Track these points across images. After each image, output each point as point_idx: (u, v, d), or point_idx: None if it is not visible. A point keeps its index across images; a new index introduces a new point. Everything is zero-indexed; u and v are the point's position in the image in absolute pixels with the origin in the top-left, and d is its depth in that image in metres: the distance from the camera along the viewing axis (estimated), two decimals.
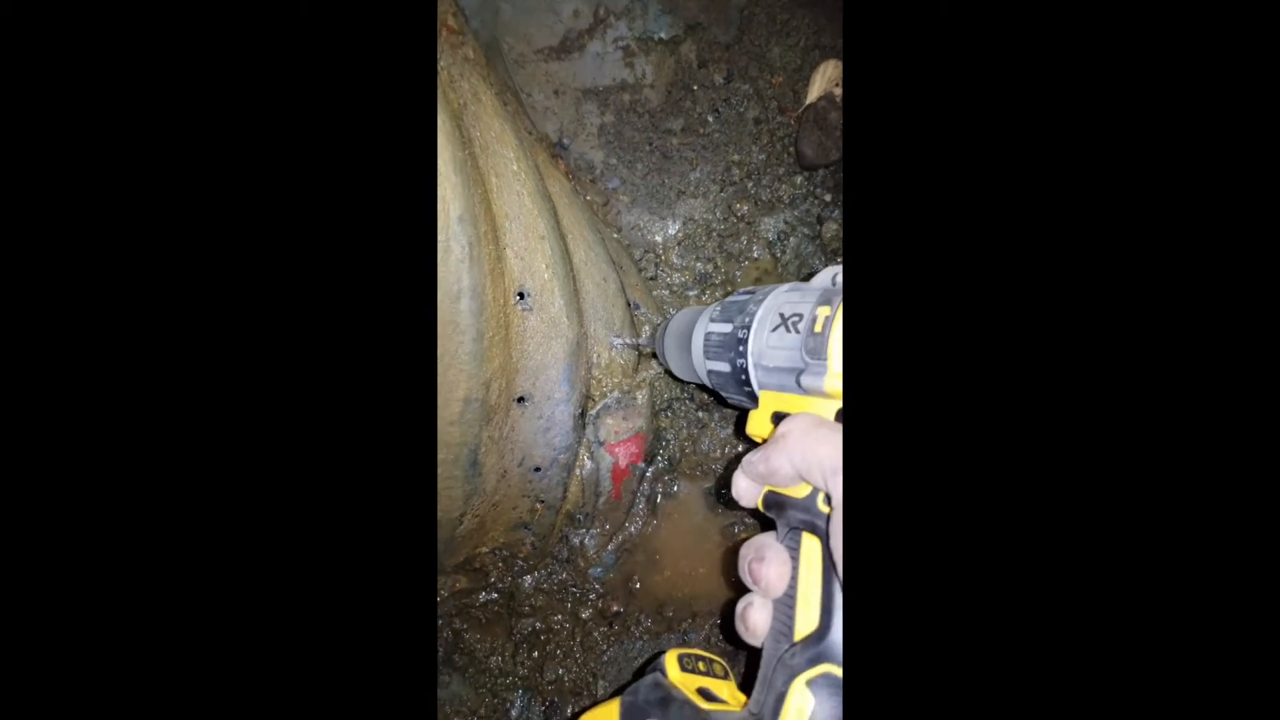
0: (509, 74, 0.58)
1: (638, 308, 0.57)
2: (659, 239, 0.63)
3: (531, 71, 0.62)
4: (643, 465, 0.57)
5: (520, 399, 0.46)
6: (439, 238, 0.36)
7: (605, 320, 0.52)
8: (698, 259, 0.63)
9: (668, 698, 0.28)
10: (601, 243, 0.53)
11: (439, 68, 0.39)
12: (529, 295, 0.44)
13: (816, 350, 0.27)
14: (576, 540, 0.57)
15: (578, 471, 0.53)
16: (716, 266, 0.62)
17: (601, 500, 0.56)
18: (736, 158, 0.61)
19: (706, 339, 0.36)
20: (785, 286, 0.33)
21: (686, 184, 0.62)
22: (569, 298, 0.46)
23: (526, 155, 0.44)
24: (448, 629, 0.60)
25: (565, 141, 0.62)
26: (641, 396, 0.55)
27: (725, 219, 0.62)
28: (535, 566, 0.58)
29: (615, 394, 0.52)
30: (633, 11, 0.61)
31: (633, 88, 0.63)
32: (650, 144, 0.62)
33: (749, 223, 0.61)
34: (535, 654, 0.58)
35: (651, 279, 0.62)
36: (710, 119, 0.61)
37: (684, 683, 0.29)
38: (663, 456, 0.60)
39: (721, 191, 0.62)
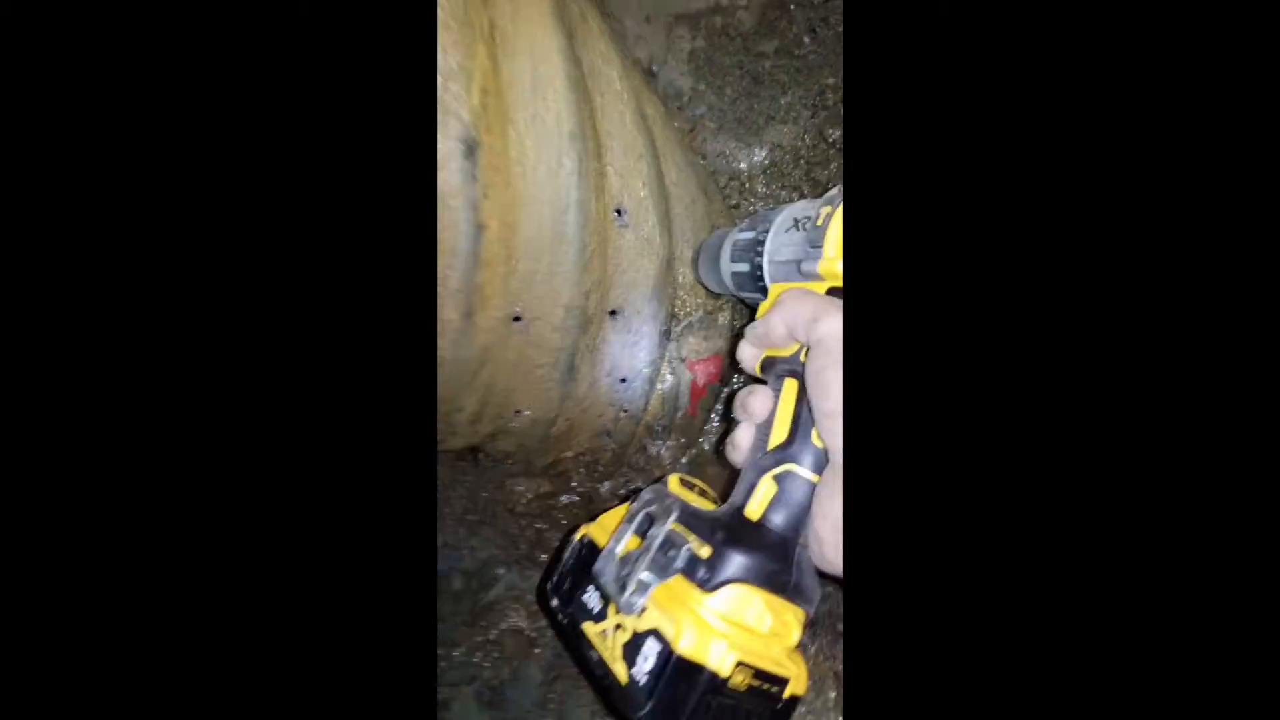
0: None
1: None
2: (744, 166, 0.63)
3: None
4: (718, 385, 0.60)
5: (613, 312, 0.49)
6: (551, 152, 0.39)
7: (692, 242, 0.54)
8: (783, 187, 0.63)
9: (668, 494, 0.35)
10: (691, 166, 0.54)
11: None
12: (626, 212, 0.46)
13: (816, 240, 0.33)
14: (653, 450, 0.61)
15: (659, 385, 0.56)
16: (802, 195, 0.62)
17: (679, 415, 0.59)
18: (831, 81, 0.60)
19: (734, 245, 0.43)
20: (804, 200, 0.39)
21: (776, 109, 0.62)
22: (661, 217, 0.49)
23: (628, 75, 0.45)
24: (531, 529, 0.67)
25: (654, 69, 0.63)
26: (723, 318, 0.57)
27: (815, 145, 0.61)
28: (613, 474, 0.63)
29: (699, 314, 0.55)
30: None
31: (725, 9, 0.62)
32: (741, 67, 0.62)
33: (840, 149, 0.61)
34: None
35: (735, 207, 0.63)
36: (806, 39, 0.60)
37: (683, 494, 0.36)
38: (738, 379, 0.63)
39: (813, 117, 0.61)
